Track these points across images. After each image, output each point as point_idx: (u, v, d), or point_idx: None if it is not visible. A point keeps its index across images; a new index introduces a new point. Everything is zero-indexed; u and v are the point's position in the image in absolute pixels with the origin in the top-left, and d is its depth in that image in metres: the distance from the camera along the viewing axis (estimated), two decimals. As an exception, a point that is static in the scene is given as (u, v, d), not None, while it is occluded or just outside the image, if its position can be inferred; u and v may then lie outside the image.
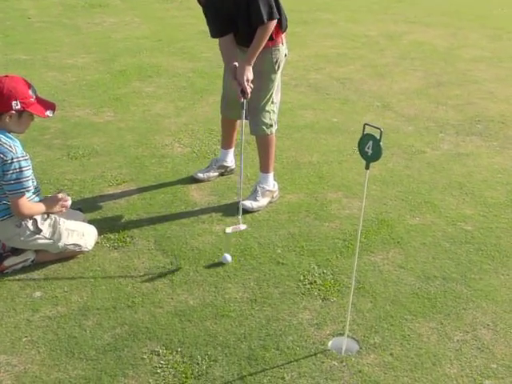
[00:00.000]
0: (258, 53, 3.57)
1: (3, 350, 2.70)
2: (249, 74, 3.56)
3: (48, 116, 3.18)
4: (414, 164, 4.64)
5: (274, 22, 3.50)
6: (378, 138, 2.30)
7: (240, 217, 3.57)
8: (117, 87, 6.53)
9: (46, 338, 2.77)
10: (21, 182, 3.06)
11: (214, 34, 3.74)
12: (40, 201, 3.29)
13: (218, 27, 3.68)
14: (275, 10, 3.47)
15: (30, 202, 3.18)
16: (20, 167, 3.04)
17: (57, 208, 3.31)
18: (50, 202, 3.30)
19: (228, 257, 3.33)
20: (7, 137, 3.09)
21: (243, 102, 3.59)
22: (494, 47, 8.46)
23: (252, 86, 3.57)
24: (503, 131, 5.33)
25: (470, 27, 9.79)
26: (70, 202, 3.39)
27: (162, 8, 11.88)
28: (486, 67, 7.42)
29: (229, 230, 3.48)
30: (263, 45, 3.56)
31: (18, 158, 3.04)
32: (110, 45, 8.53)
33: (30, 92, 3.10)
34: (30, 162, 3.13)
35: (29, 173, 3.10)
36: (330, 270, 3.29)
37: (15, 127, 3.13)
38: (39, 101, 3.16)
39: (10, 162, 3.01)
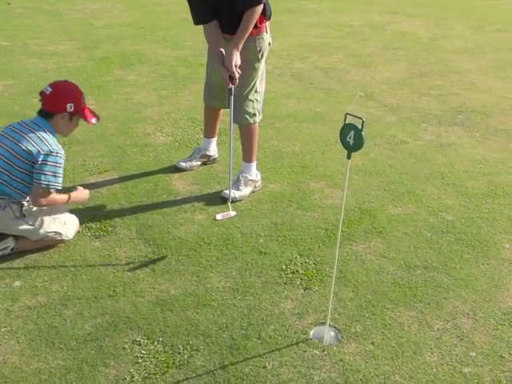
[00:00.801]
0: (245, 37, 3.52)
1: (-18, 340, 2.67)
2: (237, 59, 3.52)
3: (93, 123, 3.38)
4: (397, 154, 4.66)
5: (261, 7, 3.48)
6: (360, 127, 2.29)
7: (230, 204, 3.58)
8: (98, 75, 6.46)
9: (25, 327, 2.75)
10: (56, 176, 3.14)
11: (197, 21, 3.68)
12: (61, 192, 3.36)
13: (202, 14, 3.63)
14: None
15: (55, 195, 3.25)
16: (58, 162, 3.15)
17: (82, 200, 3.50)
18: (77, 194, 3.43)
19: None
20: (55, 137, 3.24)
21: (231, 89, 3.56)
22: (477, 38, 8.51)
23: (240, 71, 3.54)
24: (485, 122, 5.36)
25: (453, 18, 9.83)
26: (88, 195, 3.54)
27: (145, -5, 11.73)
28: (468, 58, 7.47)
29: (219, 216, 3.51)
30: (251, 29, 3.52)
31: (60, 153, 3.18)
32: (92, 32, 8.43)
33: (83, 98, 3.31)
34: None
35: (61, 170, 3.19)
36: (313, 260, 3.30)
37: (63, 129, 3.30)
38: (87, 109, 3.36)
39: (55, 154, 3.13)
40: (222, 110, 4.18)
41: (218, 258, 3.29)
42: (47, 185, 3.13)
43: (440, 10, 10.44)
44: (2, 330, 2.73)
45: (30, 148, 3.11)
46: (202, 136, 4.50)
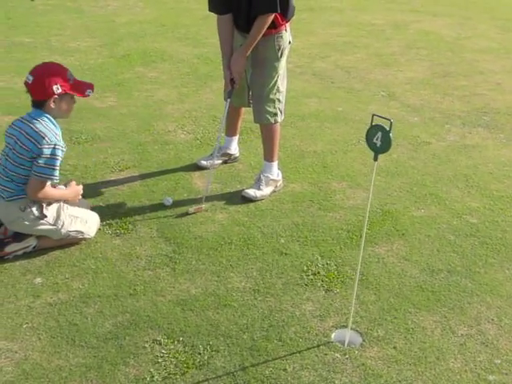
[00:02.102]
0: (254, 43, 3.56)
1: (4, 337, 2.67)
2: (241, 65, 3.60)
3: (88, 95, 3.23)
4: (420, 155, 4.60)
5: (273, 16, 3.46)
6: (388, 129, 2.25)
7: (204, 197, 3.72)
8: (120, 72, 6.47)
9: (46, 324, 2.75)
10: (51, 168, 3.09)
11: (210, 8, 3.71)
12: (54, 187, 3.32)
13: (215, 3, 3.66)
14: (278, 4, 3.43)
15: (48, 189, 3.19)
16: (55, 154, 3.09)
17: (73, 198, 3.37)
18: (70, 191, 3.36)
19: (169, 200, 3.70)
20: (53, 123, 3.15)
21: (231, 91, 3.68)
22: (502, 38, 8.39)
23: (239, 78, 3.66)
24: (510, 123, 5.27)
25: (478, 18, 9.70)
26: (81, 191, 3.45)
27: (167, -8, 11.74)
28: (493, 58, 7.36)
29: (191, 209, 3.62)
30: (260, 36, 3.54)
31: (59, 145, 3.10)
32: (114, 29, 8.46)
33: (68, 75, 3.16)
34: (63, 154, 3.18)
35: (59, 162, 3.13)
36: (334, 261, 3.26)
37: (59, 112, 3.18)
38: (78, 83, 3.21)
39: (53, 146, 3.07)
40: (243, 109, 4.16)
41: (238, 258, 3.27)
42: (43, 177, 3.08)
43: (464, 9, 10.31)
44: (24, 326, 2.74)
45: (28, 144, 3.06)
46: (223, 134, 4.47)
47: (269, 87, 3.73)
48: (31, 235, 3.24)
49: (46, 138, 3.06)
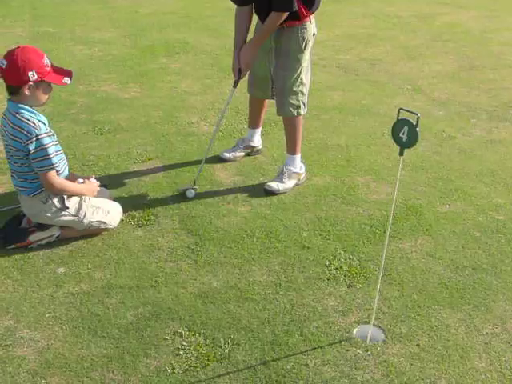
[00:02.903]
0: (265, 37, 3.58)
1: (27, 325, 2.69)
2: (250, 57, 3.63)
3: (66, 83, 3.08)
4: (445, 150, 4.53)
5: (286, 14, 3.44)
6: (415, 123, 2.21)
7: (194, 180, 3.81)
8: (143, 63, 6.49)
9: (69, 314, 2.77)
10: (46, 158, 3.05)
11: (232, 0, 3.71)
12: (71, 180, 3.30)
13: None
14: (295, 3, 3.40)
15: (61, 179, 3.18)
16: (43, 144, 3.02)
17: (90, 194, 3.34)
18: (87, 187, 3.34)
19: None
20: (30, 112, 3.05)
21: (237, 81, 3.73)
22: (531, 31, 8.21)
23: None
24: (538, 118, 5.17)
25: (505, 10, 9.52)
26: (98, 188, 3.43)
27: (190, -17, 11.73)
28: (521, 51, 7.21)
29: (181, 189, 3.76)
30: (272, 31, 3.55)
31: (41, 134, 3.01)
32: (137, 19, 8.49)
33: (45, 61, 3.01)
34: (54, 137, 3.11)
35: (52, 149, 3.07)
36: (357, 256, 3.23)
37: (35, 100, 3.05)
38: (55, 69, 3.08)
39: (35, 139, 2.99)
40: (266, 101, 4.13)
41: (260, 251, 3.25)
42: (44, 169, 3.06)
43: (491, 2, 10.11)
44: (47, 315, 2.76)
45: (16, 145, 3.02)
46: (246, 126, 4.46)
47: (292, 79, 3.69)
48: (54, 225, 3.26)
49: (25, 133, 2.98)
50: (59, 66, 3.16)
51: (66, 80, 3.09)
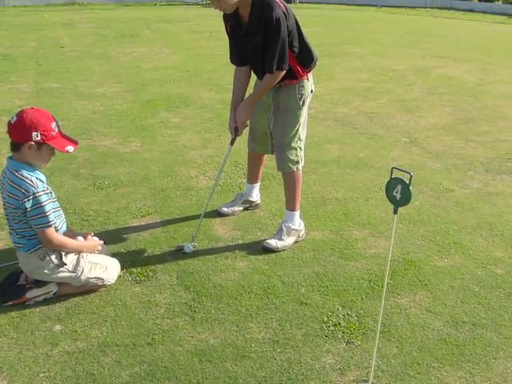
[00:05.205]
0: (262, 97, 3.70)
1: (21, 386, 2.66)
2: (246, 116, 3.75)
3: (68, 151, 3.13)
4: (442, 203, 4.55)
5: (283, 73, 3.54)
6: (408, 182, 2.24)
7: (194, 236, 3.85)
8: (144, 117, 6.59)
9: (63, 374, 2.73)
10: (43, 216, 3.08)
11: (231, 60, 3.83)
12: (70, 236, 3.31)
13: (237, 57, 3.78)
14: (287, 62, 3.50)
15: (60, 235, 3.20)
16: (39, 202, 3.05)
17: (89, 251, 3.35)
18: (87, 244, 3.35)
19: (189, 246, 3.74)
20: (28, 170, 3.09)
21: (234, 139, 3.84)
22: (525, 84, 8.37)
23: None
24: (534, 170, 5.21)
25: (499, 63, 9.73)
26: (100, 248, 3.43)
27: (191, 38, 12.08)
28: (516, 104, 7.33)
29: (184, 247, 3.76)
30: (268, 90, 3.66)
31: (38, 192, 3.04)
32: (139, 74, 8.67)
33: (53, 126, 3.09)
34: (52, 194, 3.15)
35: (49, 207, 3.10)
36: (355, 312, 3.21)
37: (34, 160, 3.10)
38: (61, 136, 3.15)
39: (32, 197, 3.03)
40: (265, 156, 4.18)
41: (258, 308, 3.23)
42: (42, 227, 3.08)
43: (485, 55, 10.35)
44: (41, 375, 2.72)
45: (13, 202, 3.05)
46: (244, 180, 4.50)
47: (290, 135, 3.75)
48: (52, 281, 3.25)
49: (23, 191, 3.01)
50: (64, 130, 3.24)
51: (69, 148, 3.13)
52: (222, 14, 3.64)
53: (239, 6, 3.46)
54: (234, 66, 3.83)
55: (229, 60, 3.86)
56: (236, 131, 3.78)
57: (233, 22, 3.59)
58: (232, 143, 3.84)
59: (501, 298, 3.35)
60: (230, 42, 3.77)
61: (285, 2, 3.52)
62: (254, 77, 3.83)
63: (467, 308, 3.26)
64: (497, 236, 4.06)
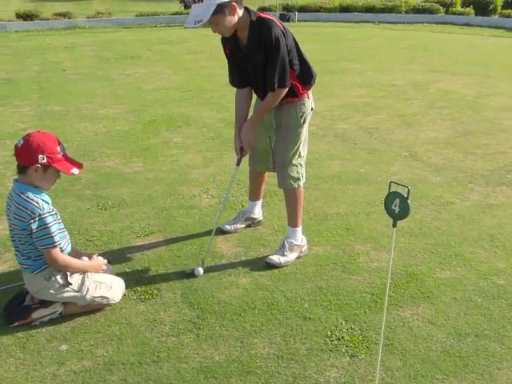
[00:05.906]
0: (264, 116, 3.74)
1: (28, 406, 2.69)
2: (250, 135, 3.76)
3: (73, 174, 3.18)
4: (443, 215, 4.59)
5: (285, 90, 3.59)
6: (406, 196, 2.28)
7: (203, 257, 3.84)
8: (146, 137, 6.66)
9: (70, 393, 2.76)
10: (48, 237, 3.12)
11: (231, 83, 3.88)
12: (75, 257, 3.35)
13: (237, 79, 3.82)
14: (288, 79, 3.55)
15: (65, 255, 3.24)
16: (45, 224, 3.10)
17: (94, 271, 3.39)
18: (92, 264, 3.40)
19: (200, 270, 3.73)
20: (34, 192, 3.14)
21: (240, 159, 3.85)
22: (523, 96, 8.44)
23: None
24: (534, 181, 5.25)
25: (497, 76, 9.81)
26: (105, 267, 3.48)
27: (192, 59, 12.21)
28: (514, 116, 7.39)
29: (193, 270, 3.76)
30: (271, 108, 3.70)
31: (44, 214, 3.09)
32: (141, 95, 8.76)
33: (59, 149, 3.14)
34: (57, 216, 3.19)
35: (54, 228, 3.14)
36: (358, 326, 3.23)
37: (40, 182, 3.15)
38: (67, 159, 3.21)
39: (38, 219, 3.08)
40: (266, 173, 4.23)
41: (262, 323, 3.26)
42: (47, 248, 3.12)
43: (483, 68, 10.44)
44: (48, 395, 2.75)
45: (19, 224, 3.10)
46: (246, 198, 4.54)
47: (291, 153, 3.80)
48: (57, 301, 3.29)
49: (29, 212, 3.06)
50: (70, 154, 3.27)
51: (74, 171, 3.18)
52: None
53: (237, 29, 3.52)
54: (235, 90, 3.88)
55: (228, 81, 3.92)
56: (242, 151, 3.82)
57: (231, 44, 3.66)
58: (238, 163, 3.87)
59: (503, 309, 3.37)
60: (228, 65, 3.82)
61: (282, 22, 3.60)
62: (254, 96, 3.89)
63: (470, 319, 3.28)
64: (498, 247, 4.08)
